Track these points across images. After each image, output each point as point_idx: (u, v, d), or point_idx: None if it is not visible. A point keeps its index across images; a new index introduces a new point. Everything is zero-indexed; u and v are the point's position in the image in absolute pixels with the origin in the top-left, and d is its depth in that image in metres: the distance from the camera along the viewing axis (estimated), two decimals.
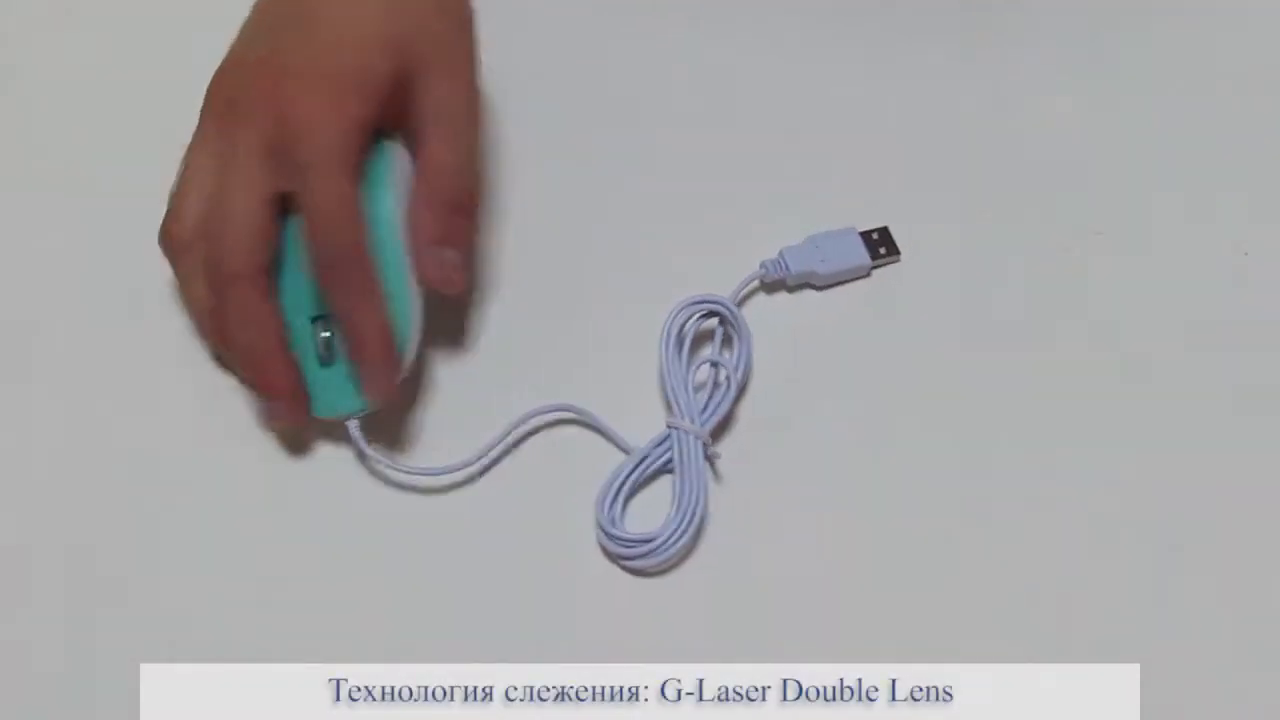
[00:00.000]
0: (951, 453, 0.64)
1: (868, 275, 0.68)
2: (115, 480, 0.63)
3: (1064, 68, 0.73)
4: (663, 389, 0.62)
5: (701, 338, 0.64)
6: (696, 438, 0.60)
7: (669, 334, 0.62)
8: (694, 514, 0.59)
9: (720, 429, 0.63)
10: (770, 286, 0.67)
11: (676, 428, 0.60)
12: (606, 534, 0.59)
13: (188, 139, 0.63)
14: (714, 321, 0.64)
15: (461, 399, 0.64)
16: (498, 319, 0.66)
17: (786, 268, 0.66)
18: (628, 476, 0.60)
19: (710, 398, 0.62)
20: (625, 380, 0.65)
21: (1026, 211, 0.70)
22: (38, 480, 0.63)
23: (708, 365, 0.62)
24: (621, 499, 0.60)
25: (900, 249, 0.68)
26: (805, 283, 0.67)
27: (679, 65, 0.72)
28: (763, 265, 0.66)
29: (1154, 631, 0.61)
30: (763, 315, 0.66)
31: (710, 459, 0.61)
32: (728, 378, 0.62)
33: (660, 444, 0.61)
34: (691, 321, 0.63)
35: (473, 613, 0.60)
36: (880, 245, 0.68)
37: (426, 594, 0.61)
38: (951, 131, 0.71)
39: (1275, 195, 0.70)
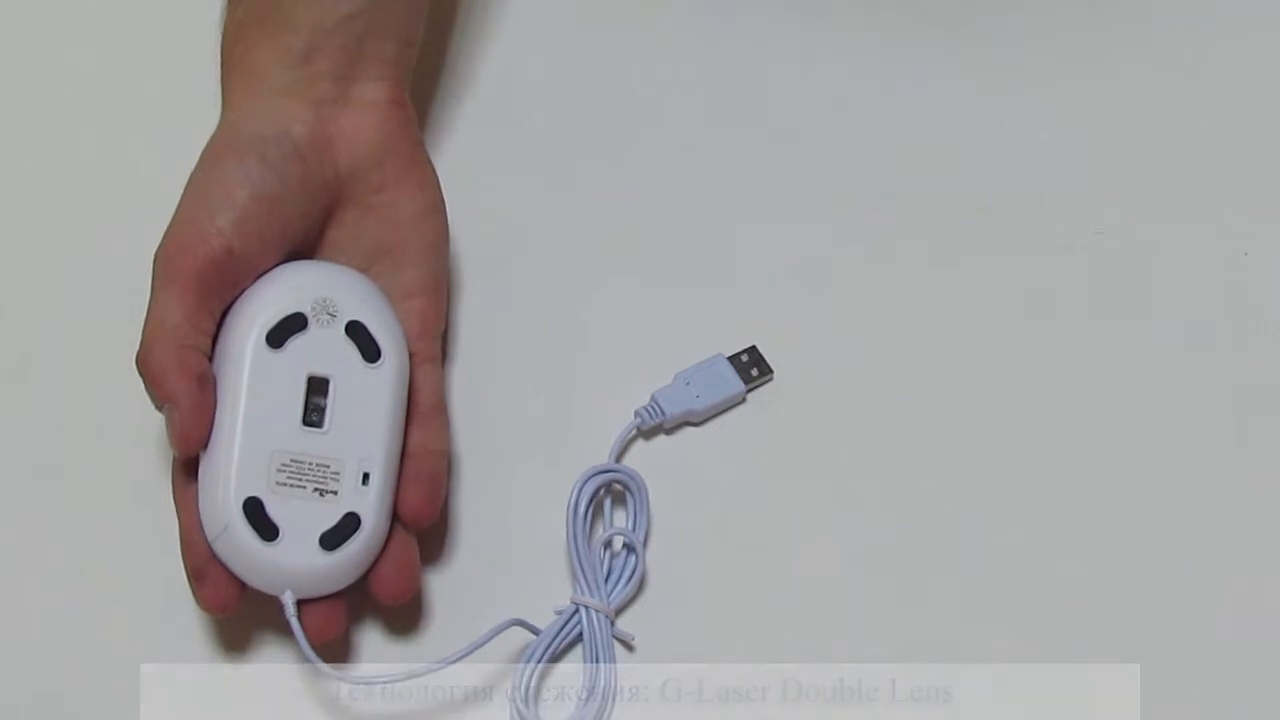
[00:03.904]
0: (950, 463, 0.65)
1: (744, 401, 0.66)
2: (117, 479, 0.63)
3: (1063, 68, 0.73)
4: (568, 562, 0.61)
5: (600, 500, 0.63)
6: (604, 615, 0.60)
7: (575, 509, 0.61)
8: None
9: (629, 592, 0.62)
10: (648, 433, 0.65)
11: (585, 605, 0.60)
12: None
13: (182, 145, 0.63)
14: (612, 487, 0.63)
15: None
16: None
17: (662, 412, 0.64)
18: (539, 658, 0.59)
19: (613, 566, 0.61)
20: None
21: (1027, 211, 0.69)
22: (39, 480, 0.64)
23: (611, 536, 0.62)
24: (535, 678, 0.59)
25: (772, 366, 0.66)
26: (683, 422, 0.65)
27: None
28: (637, 414, 0.64)
29: (1154, 631, 0.61)
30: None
31: (620, 638, 0.61)
32: (628, 545, 0.62)
33: (569, 620, 0.60)
34: (595, 494, 0.62)
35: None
36: (751, 366, 0.65)
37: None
38: (951, 132, 0.71)
39: (1275, 195, 0.70)
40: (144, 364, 0.58)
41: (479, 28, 0.74)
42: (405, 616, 0.61)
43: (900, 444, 0.65)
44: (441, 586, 0.62)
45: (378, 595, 0.59)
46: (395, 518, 0.60)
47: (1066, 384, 0.66)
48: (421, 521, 0.60)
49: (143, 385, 0.58)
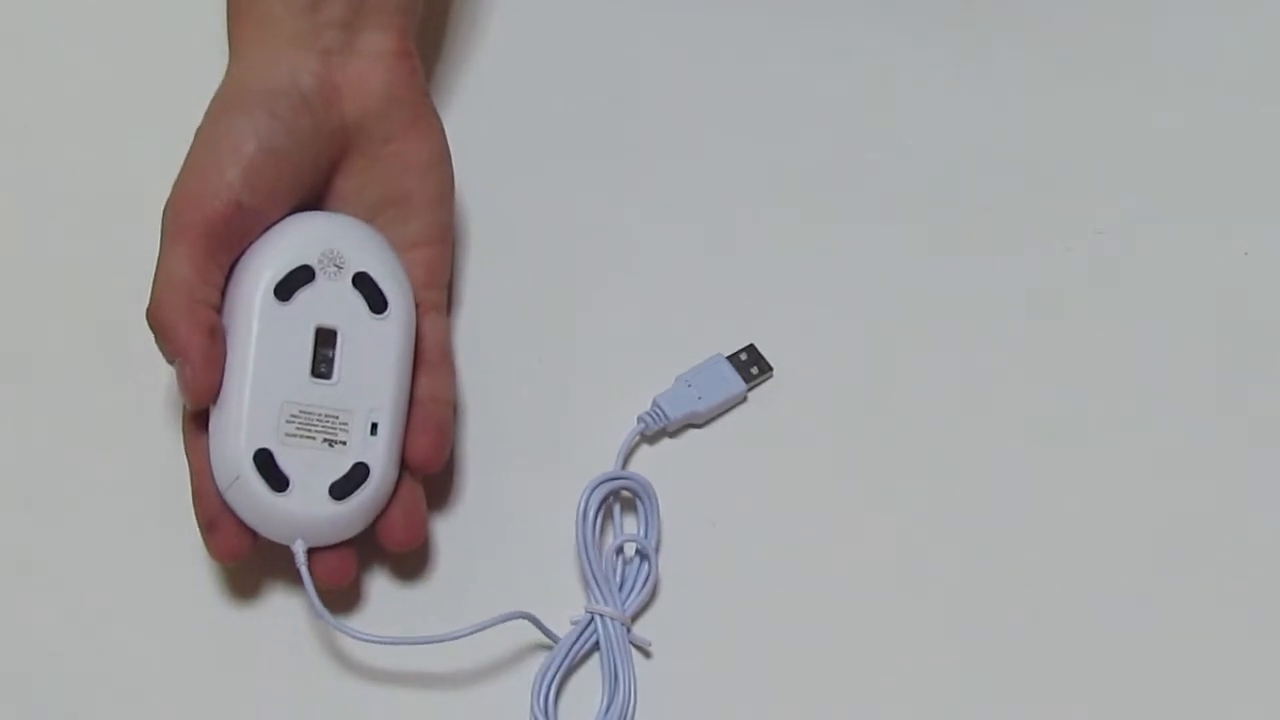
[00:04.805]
0: (949, 462, 0.65)
1: (745, 400, 0.65)
2: (118, 478, 0.63)
3: (1064, 68, 0.73)
4: (580, 571, 0.61)
5: (609, 508, 0.63)
6: (621, 623, 0.60)
7: (584, 518, 0.61)
8: (626, 706, 0.59)
9: (643, 599, 0.61)
10: (652, 437, 0.65)
11: (600, 614, 0.60)
12: None
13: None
14: (620, 494, 0.63)
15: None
16: None
17: (664, 416, 0.64)
18: (557, 669, 0.59)
19: (626, 574, 0.61)
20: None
21: (1027, 211, 0.70)
22: (39, 479, 0.64)
23: (622, 543, 0.61)
24: (554, 690, 0.59)
25: (771, 363, 0.66)
26: (686, 424, 0.65)
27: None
28: (640, 419, 0.64)
29: (1152, 631, 0.62)
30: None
31: (637, 645, 0.60)
32: (640, 552, 0.62)
33: (585, 629, 0.60)
34: (604, 502, 0.61)
35: None
36: (751, 365, 0.65)
37: None
38: (951, 131, 0.71)
39: (1275, 195, 0.70)
40: (155, 318, 0.59)
41: (485, 12, 0.74)
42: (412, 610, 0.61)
43: (902, 439, 0.65)
44: (448, 592, 0.62)
45: (386, 543, 0.60)
46: (403, 466, 0.60)
47: (1066, 383, 0.66)
48: (429, 468, 0.60)
49: (154, 340, 0.59)
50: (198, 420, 0.59)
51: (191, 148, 0.61)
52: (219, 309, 0.59)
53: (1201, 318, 0.68)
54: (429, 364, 0.61)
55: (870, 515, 0.63)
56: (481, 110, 0.71)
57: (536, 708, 0.58)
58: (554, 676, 0.59)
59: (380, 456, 0.59)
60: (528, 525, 0.63)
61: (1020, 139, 0.71)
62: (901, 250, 0.69)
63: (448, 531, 0.63)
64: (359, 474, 0.59)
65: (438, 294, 0.63)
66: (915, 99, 0.72)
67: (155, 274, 0.59)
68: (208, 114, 0.61)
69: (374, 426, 0.59)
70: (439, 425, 0.61)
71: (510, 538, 0.63)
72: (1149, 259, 0.69)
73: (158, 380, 0.63)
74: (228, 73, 0.62)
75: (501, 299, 0.67)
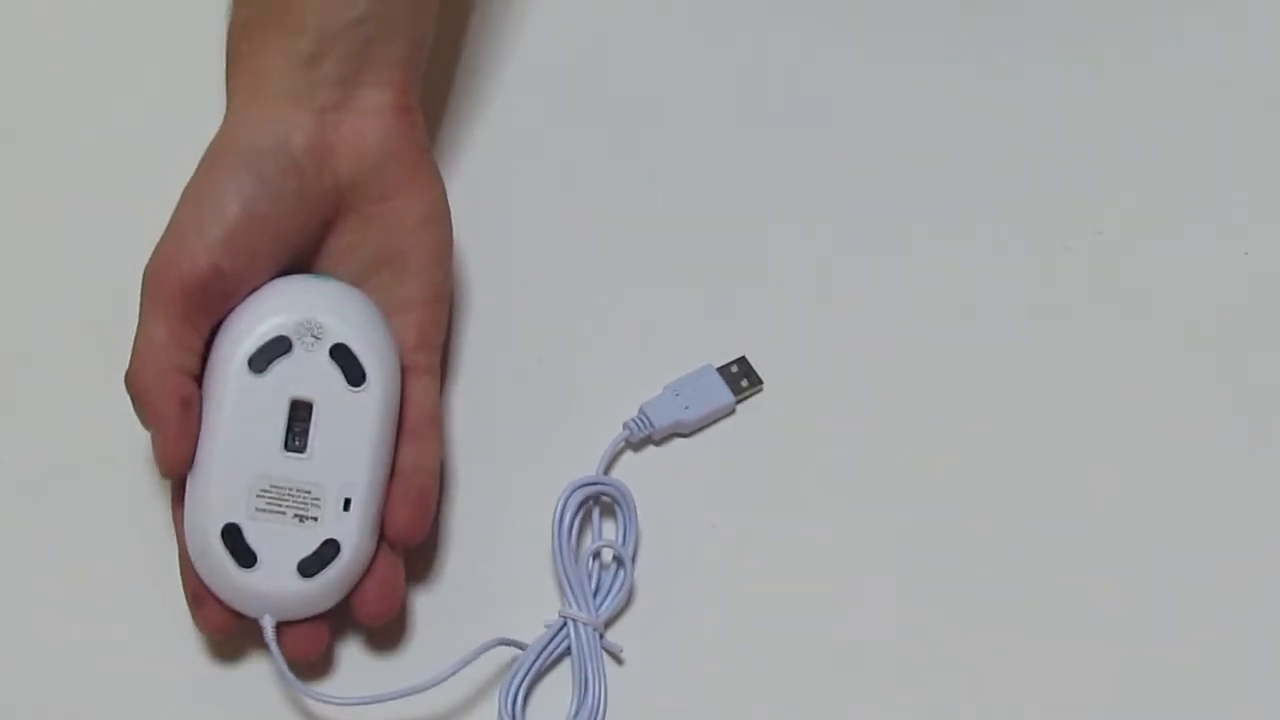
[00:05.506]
0: (944, 467, 0.65)
1: (733, 412, 0.65)
2: (114, 488, 0.64)
3: (1064, 68, 0.73)
4: (555, 575, 0.61)
5: (588, 513, 0.63)
6: (593, 628, 0.60)
7: (560, 522, 0.61)
8: (595, 711, 0.59)
9: (617, 605, 0.61)
10: (637, 445, 0.64)
11: (572, 619, 0.60)
12: None
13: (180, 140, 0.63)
14: (600, 499, 0.62)
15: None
16: None
17: (650, 424, 0.64)
18: (526, 672, 0.59)
19: (602, 579, 0.61)
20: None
21: (1027, 210, 0.69)
22: (34, 488, 0.64)
23: (599, 549, 0.61)
24: (523, 693, 0.59)
25: (761, 377, 0.65)
26: (672, 433, 0.64)
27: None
28: (626, 426, 0.64)
29: (1153, 632, 0.61)
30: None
31: (609, 650, 0.60)
32: (616, 558, 0.62)
33: (557, 633, 0.60)
34: (581, 507, 0.61)
35: None
36: (741, 377, 0.65)
37: None
38: (950, 132, 0.71)
39: (1275, 195, 0.70)
40: (131, 384, 0.58)
41: (477, 38, 0.74)
42: (391, 632, 0.61)
43: (892, 454, 0.65)
44: (429, 600, 0.62)
45: (359, 616, 0.59)
46: (383, 537, 0.59)
47: (1066, 385, 0.66)
48: (409, 542, 0.59)
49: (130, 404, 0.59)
50: (180, 491, 0.59)
51: (177, 206, 0.60)
52: (199, 375, 0.59)
53: (1201, 318, 0.67)
54: (413, 431, 0.60)
55: (855, 535, 0.63)
56: (486, 125, 0.71)
57: (504, 710, 0.59)
58: (523, 680, 0.59)
59: (352, 533, 0.58)
60: (506, 528, 0.63)
61: (1020, 139, 0.71)
62: (899, 253, 0.68)
63: (428, 538, 0.62)
64: (329, 551, 0.58)
65: (429, 356, 0.62)
66: (915, 100, 0.72)
67: (134, 339, 0.59)
68: (196, 171, 0.60)
69: (347, 502, 0.58)
70: (420, 497, 0.59)
71: (490, 540, 0.63)
72: (1149, 259, 0.68)
73: None
74: (221, 126, 0.62)
75: (497, 305, 0.67)
